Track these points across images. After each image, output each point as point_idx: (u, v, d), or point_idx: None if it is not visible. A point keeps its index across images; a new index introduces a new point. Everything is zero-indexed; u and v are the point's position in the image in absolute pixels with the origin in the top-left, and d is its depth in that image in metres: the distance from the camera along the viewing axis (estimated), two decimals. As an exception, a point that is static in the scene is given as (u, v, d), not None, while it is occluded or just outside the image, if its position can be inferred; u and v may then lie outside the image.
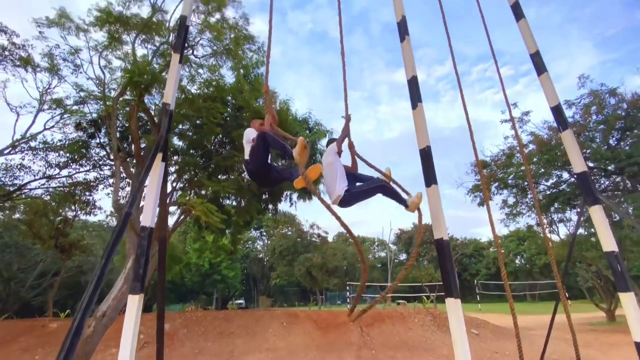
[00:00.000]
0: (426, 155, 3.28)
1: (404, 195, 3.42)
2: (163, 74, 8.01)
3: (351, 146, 3.83)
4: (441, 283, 2.89)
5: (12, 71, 11.76)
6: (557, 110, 4.78)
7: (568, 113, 14.29)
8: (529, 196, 16.17)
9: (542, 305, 32.28)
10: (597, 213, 4.09)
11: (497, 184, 16.63)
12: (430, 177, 3.20)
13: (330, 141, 3.67)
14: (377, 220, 74.24)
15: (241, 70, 10.65)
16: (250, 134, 3.32)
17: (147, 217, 2.37)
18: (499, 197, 17.28)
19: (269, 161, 3.36)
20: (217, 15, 9.91)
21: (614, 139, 13.83)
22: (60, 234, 13.14)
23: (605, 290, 19.12)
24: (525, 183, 15.50)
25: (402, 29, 3.99)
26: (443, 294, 2.37)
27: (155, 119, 9.25)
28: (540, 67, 5.03)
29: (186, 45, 7.16)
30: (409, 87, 3.68)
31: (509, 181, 16.09)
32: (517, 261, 46.37)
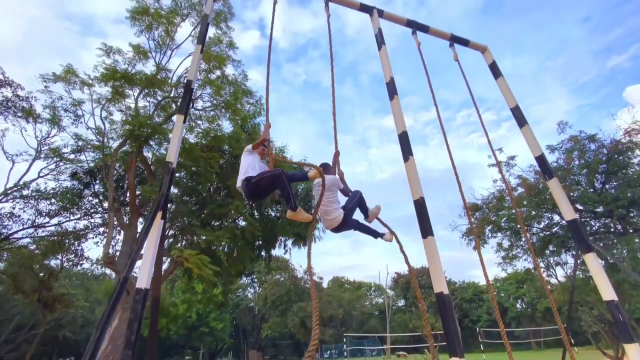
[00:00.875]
0: (420, 207, 3.35)
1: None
2: (164, 126, 8.27)
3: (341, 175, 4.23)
4: (442, 332, 2.80)
5: (13, 121, 12.02)
6: (541, 160, 5.03)
7: (551, 158, 14.88)
8: (524, 239, 16.16)
9: (548, 353, 30.63)
10: (592, 261, 4.11)
11: (490, 227, 16.68)
12: (426, 229, 3.23)
13: (323, 165, 4.02)
14: (373, 264, 72.52)
15: (238, 121, 11.08)
16: (248, 157, 3.49)
17: (143, 279, 2.30)
18: (493, 240, 17.22)
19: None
20: (218, 72, 10.56)
21: (598, 182, 14.28)
22: (44, 287, 12.47)
23: (610, 336, 18.36)
24: (518, 226, 15.58)
25: (391, 89, 4.33)
26: (445, 343, 2.29)
27: (152, 168, 9.34)
28: (521, 120, 5.39)
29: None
30: (400, 142, 3.88)
31: (502, 224, 16.16)
32: (518, 305, 44.88)
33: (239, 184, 3.24)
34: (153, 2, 10.22)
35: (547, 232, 15.87)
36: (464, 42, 6.14)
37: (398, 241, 3.90)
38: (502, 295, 44.96)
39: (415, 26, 5.66)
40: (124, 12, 10.06)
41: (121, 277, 2.18)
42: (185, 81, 9.36)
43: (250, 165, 3.32)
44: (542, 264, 16.95)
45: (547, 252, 15.92)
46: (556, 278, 18.26)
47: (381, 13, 5.20)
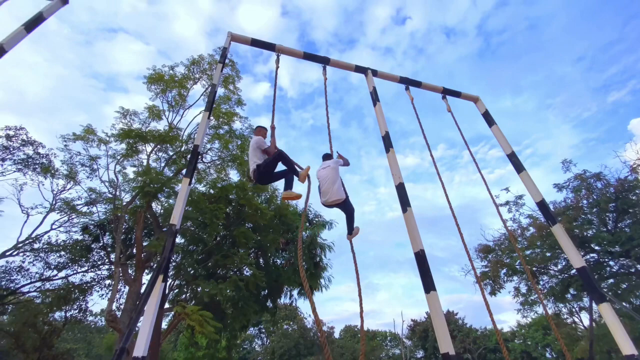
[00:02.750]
0: (421, 260, 3.30)
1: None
2: (173, 180, 8.59)
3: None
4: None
5: (32, 176, 12.56)
6: (542, 206, 4.96)
7: (559, 196, 14.72)
8: (542, 282, 15.36)
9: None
10: (606, 312, 3.88)
11: (505, 270, 15.98)
12: (428, 283, 3.14)
13: (325, 156, 4.84)
14: (388, 310, 68.60)
15: (245, 171, 11.43)
16: (260, 142, 4.33)
17: (141, 346, 2.27)
18: (510, 284, 16.39)
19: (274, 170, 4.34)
20: (226, 127, 11.19)
21: (611, 220, 13.87)
22: (46, 345, 12.06)
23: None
24: (535, 268, 14.91)
25: (387, 143, 4.50)
26: None
27: (159, 219, 9.51)
28: (518, 166, 5.46)
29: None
30: (397, 193, 3.95)
31: (517, 267, 15.50)
32: (547, 355, 41.12)
33: (251, 170, 4.12)
34: (168, 69, 11.26)
35: (566, 275, 15.09)
36: (456, 94, 6.46)
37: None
38: (529, 343, 41.48)
39: (408, 82, 6.02)
40: (144, 70, 11.02)
41: (118, 347, 2.16)
42: (194, 140, 9.90)
43: (257, 157, 4.20)
44: (564, 310, 15.88)
45: (568, 296, 15.00)
46: (582, 324, 16.97)
47: (375, 73, 5.59)
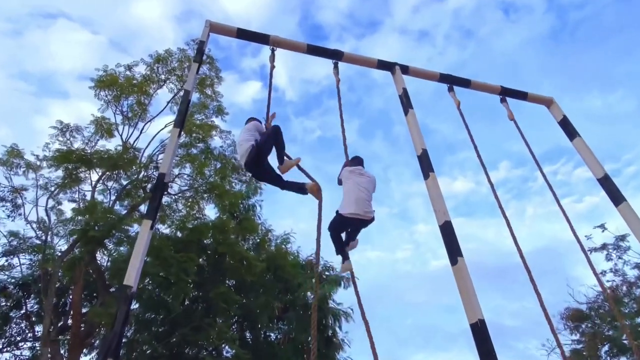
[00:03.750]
0: (481, 334, 3.24)
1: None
2: (128, 221, 8.70)
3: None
4: None
5: None
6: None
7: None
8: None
9: None
10: None
11: (606, 346, 15.36)
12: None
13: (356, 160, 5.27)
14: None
15: (226, 206, 11.55)
16: (258, 125, 4.91)
17: None
18: (616, 366, 15.67)
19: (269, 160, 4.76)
20: (201, 145, 11.46)
21: None
22: None
23: None
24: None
25: (425, 165, 4.49)
26: None
27: (106, 277, 9.55)
28: (615, 195, 5.28)
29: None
30: (442, 236, 3.92)
31: (624, 342, 14.88)
32: None
33: (245, 151, 4.50)
34: (124, 69, 11.73)
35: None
36: (521, 96, 6.53)
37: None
38: None
39: (452, 81, 6.12)
40: (91, 69, 11.34)
41: None
42: (155, 170, 10.02)
43: (253, 135, 4.68)
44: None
45: None
46: None
47: (405, 69, 5.70)
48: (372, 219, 4.75)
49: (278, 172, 4.81)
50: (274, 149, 4.74)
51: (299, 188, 4.76)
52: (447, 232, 3.75)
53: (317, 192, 4.62)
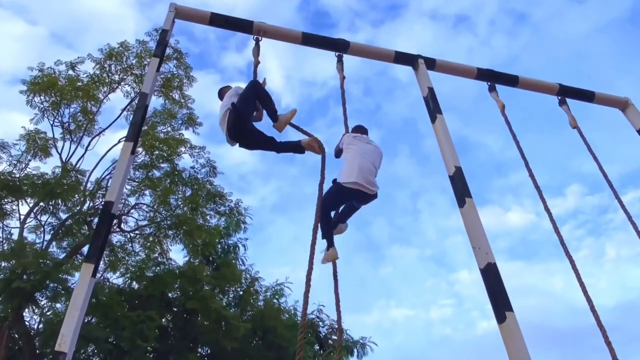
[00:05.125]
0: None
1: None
2: (68, 268, 8.71)
3: None
4: None
5: None
6: None
7: None
8: None
9: None
10: None
11: None
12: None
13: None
14: None
15: (198, 247, 11.51)
16: (238, 89, 5.18)
17: None
18: None
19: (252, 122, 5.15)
20: (165, 166, 11.55)
21: None
22: None
23: None
24: None
25: (460, 189, 4.52)
26: None
27: (36, 345, 9.50)
28: None
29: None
30: (485, 284, 3.92)
31: None
32: None
33: (223, 116, 4.88)
34: (66, 68, 11.91)
35: None
36: (585, 97, 6.62)
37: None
38: None
39: (493, 78, 6.21)
40: (23, 69, 11.44)
41: None
42: (103, 201, 10.11)
43: (231, 99, 4.89)
44: None
45: None
46: None
47: (432, 64, 5.80)
48: (375, 195, 5.10)
49: (269, 135, 5.12)
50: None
51: (295, 147, 5.14)
52: (491, 277, 3.64)
53: (317, 146, 5.01)
